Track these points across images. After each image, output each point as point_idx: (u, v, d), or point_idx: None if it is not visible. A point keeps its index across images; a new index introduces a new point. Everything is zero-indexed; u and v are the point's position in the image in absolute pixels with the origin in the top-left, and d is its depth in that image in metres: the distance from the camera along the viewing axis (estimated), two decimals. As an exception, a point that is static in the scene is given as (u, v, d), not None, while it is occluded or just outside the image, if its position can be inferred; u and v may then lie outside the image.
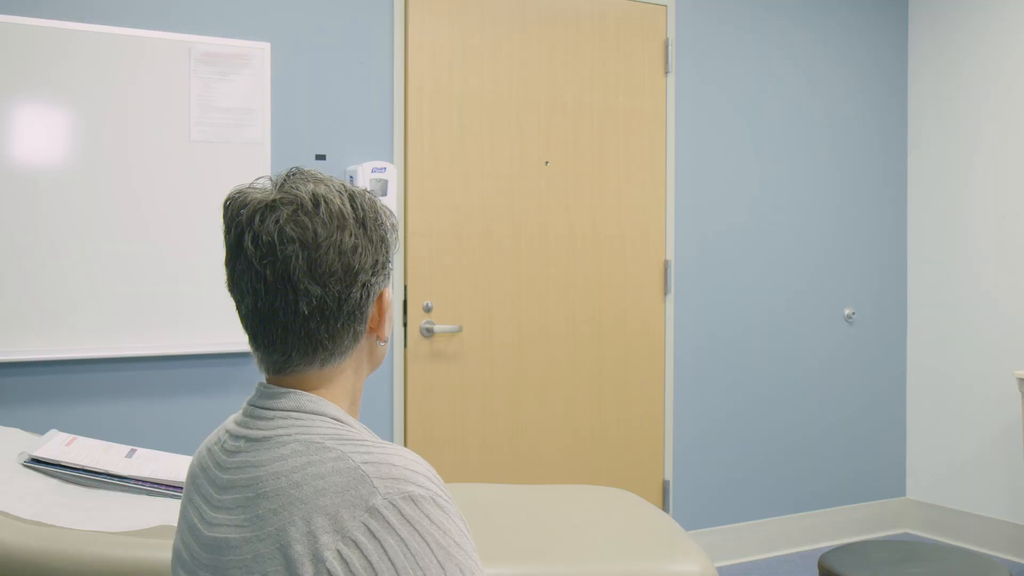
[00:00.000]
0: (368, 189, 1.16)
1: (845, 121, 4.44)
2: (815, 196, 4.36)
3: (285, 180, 1.10)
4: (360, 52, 3.40)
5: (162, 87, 3.05)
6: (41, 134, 2.91)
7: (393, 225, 1.16)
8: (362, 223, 1.10)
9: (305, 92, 3.31)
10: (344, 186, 1.11)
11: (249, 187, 1.10)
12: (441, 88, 3.47)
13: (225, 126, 3.14)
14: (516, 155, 3.59)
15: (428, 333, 3.46)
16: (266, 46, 3.21)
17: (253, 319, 1.09)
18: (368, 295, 1.11)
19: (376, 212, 1.12)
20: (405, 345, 3.43)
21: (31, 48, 2.88)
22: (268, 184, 1.10)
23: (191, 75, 3.09)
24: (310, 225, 1.06)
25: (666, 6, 3.92)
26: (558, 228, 3.67)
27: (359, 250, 1.08)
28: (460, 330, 3.48)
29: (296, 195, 1.07)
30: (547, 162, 3.57)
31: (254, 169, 3.16)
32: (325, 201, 1.07)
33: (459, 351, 3.51)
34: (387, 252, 1.13)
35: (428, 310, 3.49)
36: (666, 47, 3.88)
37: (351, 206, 1.09)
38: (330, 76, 3.35)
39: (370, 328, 1.14)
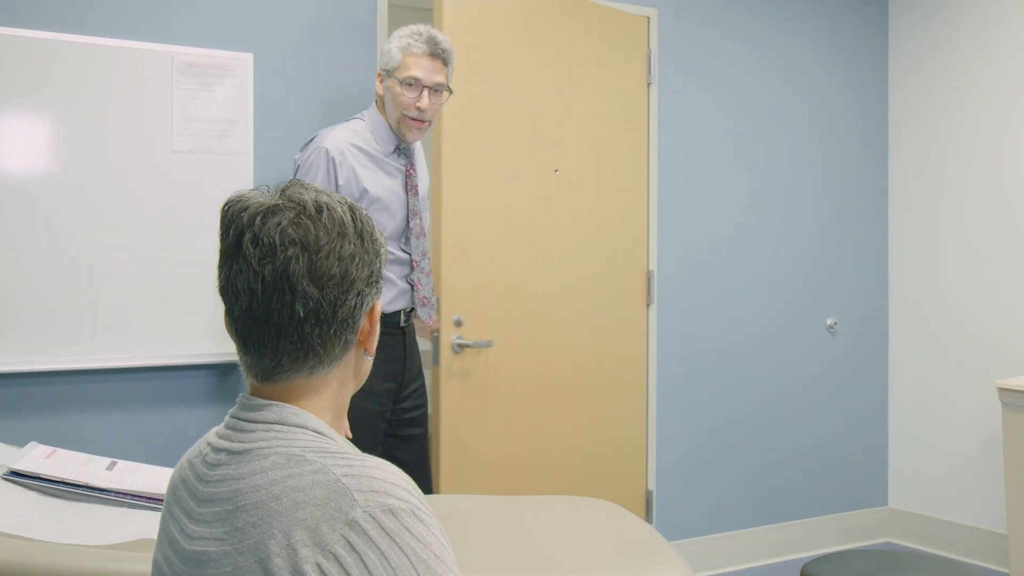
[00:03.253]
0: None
1: (827, 132, 4.47)
2: (798, 206, 4.38)
3: (285, 188, 1.13)
4: (342, 62, 3.40)
5: (144, 97, 3.04)
6: (23, 143, 2.89)
7: (383, 243, 1.19)
8: (360, 234, 1.13)
9: (288, 103, 3.30)
10: (344, 199, 1.15)
11: (249, 192, 1.13)
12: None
13: (208, 136, 3.13)
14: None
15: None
16: (249, 56, 3.20)
17: (246, 320, 1.10)
18: (362, 305, 1.13)
19: (372, 227, 1.16)
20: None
21: (15, 58, 2.87)
22: (268, 191, 1.13)
23: (173, 85, 3.08)
24: (312, 229, 1.08)
25: (648, 17, 3.94)
26: (547, 236, 3.66)
27: (356, 259, 1.11)
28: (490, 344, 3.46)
29: (300, 200, 1.10)
30: (556, 170, 3.57)
31: (237, 180, 3.15)
32: (328, 208, 1.11)
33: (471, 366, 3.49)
34: (380, 266, 1.16)
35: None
36: (648, 57, 3.90)
37: (351, 217, 1.13)
38: (313, 87, 3.34)
39: (359, 340, 1.16)
